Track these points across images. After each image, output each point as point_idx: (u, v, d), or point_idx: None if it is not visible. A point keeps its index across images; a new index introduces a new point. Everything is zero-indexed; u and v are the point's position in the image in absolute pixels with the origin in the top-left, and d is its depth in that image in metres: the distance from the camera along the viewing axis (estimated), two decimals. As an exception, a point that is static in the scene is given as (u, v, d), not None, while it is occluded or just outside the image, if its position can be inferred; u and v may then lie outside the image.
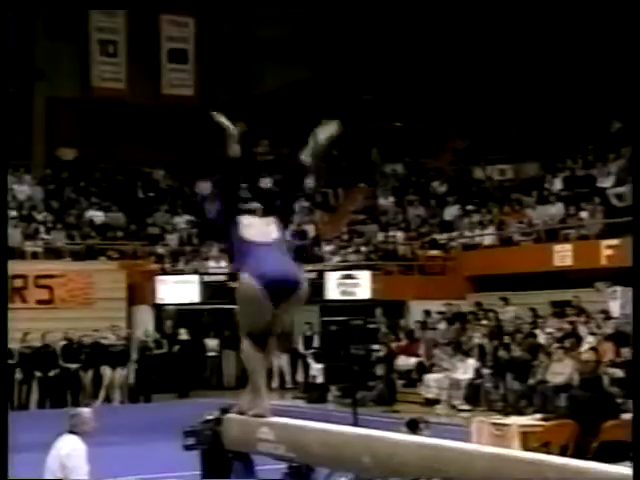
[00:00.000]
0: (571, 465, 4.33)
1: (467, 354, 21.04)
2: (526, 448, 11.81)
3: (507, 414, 15.90)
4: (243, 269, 6.56)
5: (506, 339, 20.52)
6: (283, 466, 5.86)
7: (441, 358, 21.47)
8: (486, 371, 19.90)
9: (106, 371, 22.72)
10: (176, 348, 24.14)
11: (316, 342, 23.29)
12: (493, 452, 4.80)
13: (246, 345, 6.49)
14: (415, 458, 4.68)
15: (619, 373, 16.00)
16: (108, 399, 22.68)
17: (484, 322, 22.13)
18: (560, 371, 17.23)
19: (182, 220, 27.44)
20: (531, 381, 18.14)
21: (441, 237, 26.29)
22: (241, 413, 6.03)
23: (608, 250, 20.92)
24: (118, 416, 18.63)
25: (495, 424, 13.68)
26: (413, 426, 10.95)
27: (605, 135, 24.89)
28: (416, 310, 24.73)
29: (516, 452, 6.79)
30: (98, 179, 28.67)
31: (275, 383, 24.27)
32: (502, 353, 20.02)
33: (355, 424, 11.45)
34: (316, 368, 22.32)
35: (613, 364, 16.61)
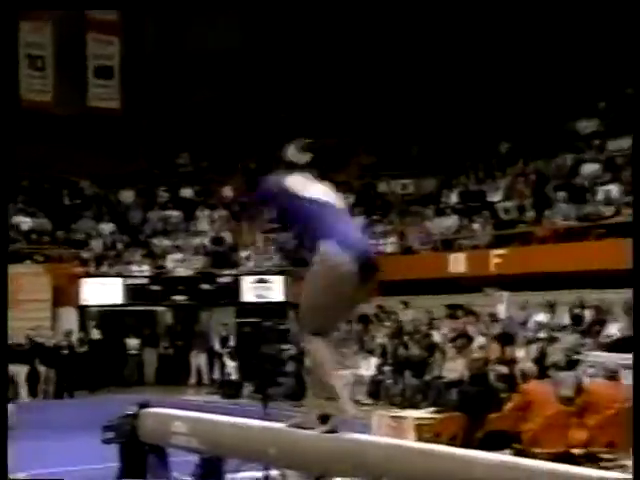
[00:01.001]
0: (457, 454, 4.47)
1: (370, 352, 21.24)
2: (420, 439, 12.01)
3: (404, 408, 16.06)
4: (323, 238, 4.87)
5: (405, 339, 20.78)
6: (195, 458, 5.87)
7: (346, 356, 21.63)
8: (387, 368, 20.11)
9: (40, 368, 22.53)
10: (98, 347, 23.98)
11: (232, 341, 23.34)
12: (388, 442, 4.95)
13: (318, 344, 4.92)
14: (315, 450, 4.75)
15: (504, 370, 16.20)
16: (33, 395, 22.43)
17: (386, 323, 22.37)
18: (452, 368, 17.52)
19: (106, 226, 27.24)
20: (427, 377, 18.43)
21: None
22: (301, 427, 4.97)
23: (496, 258, 21.33)
24: (42, 412, 18.46)
25: (393, 417, 13.84)
26: (324, 419, 11.08)
27: (494, 154, 25.36)
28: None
29: (408, 442, 6.92)
30: (25, 187, 28.31)
31: (193, 380, 24.32)
32: (401, 352, 20.28)
33: (266, 418, 11.51)
34: (231, 366, 22.41)
35: (499, 361, 16.87)
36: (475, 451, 4.83)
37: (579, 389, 13.19)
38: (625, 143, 21.72)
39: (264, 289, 24.33)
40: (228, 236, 26.64)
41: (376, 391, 19.80)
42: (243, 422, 5.46)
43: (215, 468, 5.67)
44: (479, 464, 4.13)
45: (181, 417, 5.66)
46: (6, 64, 23.61)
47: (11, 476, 7.28)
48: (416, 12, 26.60)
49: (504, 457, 4.58)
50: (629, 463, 11.22)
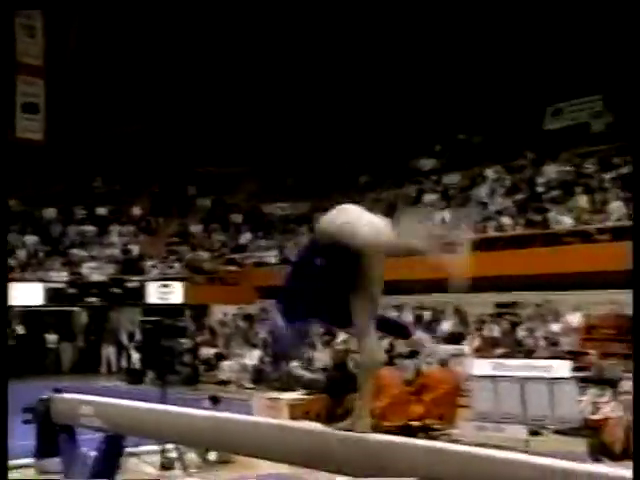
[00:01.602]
0: (316, 429, 4.52)
1: (254, 346, 21.38)
2: (292, 417, 12.24)
3: (281, 391, 15.97)
4: None
5: (283, 335, 21.00)
6: (100, 435, 5.92)
7: (234, 348, 21.80)
8: (267, 359, 20.22)
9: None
10: (22, 341, 23.59)
11: (137, 336, 23.22)
12: (258, 420, 4.96)
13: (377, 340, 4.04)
14: (201, 428, 4.70)
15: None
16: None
17: (267, 321, 22.52)
18: (320, 358, 17.74)
19: (30, 238, 26.82)
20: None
21: (237, 256, 26.57)
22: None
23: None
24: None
25: (270, 399, 13.95)
26: (215, 400, 11.36)
27: (356, 184, 25.76)
28: (217, 312, 24.96)
29: (272, 420, 7.06)
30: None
31: (104, 369, 24.12)
32: (279, 345, 20.49)
33: (164, 401, 11.58)
34: (136, 357, 22.27)
35: (357, 352, 17.17)
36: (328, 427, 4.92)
37: (418, 373, 13.52)
38: (455, 178, 22.53)
39: (166, 293, 24.27)
40: (135, 248, 26.57)
41: (258, 378, 19.91)
42: (140, 405, 5.46)
43: (116, 444, 5.75)
44: (332, 436, 4.02)
45: (87, 401, 5.64)
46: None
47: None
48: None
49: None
50: (454, 432, 11.74)
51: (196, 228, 28.38)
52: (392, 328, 4.51)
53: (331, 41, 24.20)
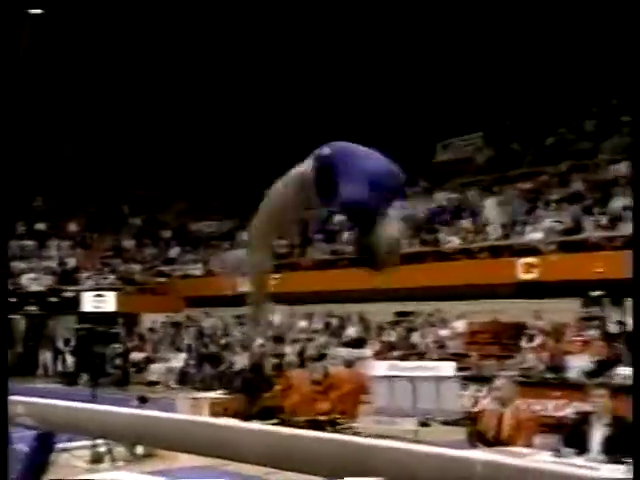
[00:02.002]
0: (238, 426, 4.54)
1: (179, 350, 21.24)
2: (212, 414, 12.19)
3: (204, 391, 16.00)
4: None
5: (206, 340, 20.90)
6: (32, 433, 5.85)
7: (162, 353, 21.62)
8: (192, 362, 20.12)
9: None
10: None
11: (72, 342, 22.83)
12: (180, 417, 4.95)
13: None
14: (128, 425, 4.66)
15: (276, 361, 16.59)
16: None
17: (192, 328, 22.41)
18: (239, 361, 17.67)
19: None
20: (221, 368, 18.48)
21: (166, 269, 26.36)
22: None
23: (273, 281, 21.66)
24: None
25: (193, 398, 13.83)
26: (142, 400, 11.23)
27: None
28: (146, 320, 24.66)
29: (192, 417, 7.05)
30: None
31: (41, 372, 23.59)
32: (203, 349, 20.37)
33: (96, 401, 11.44)
34: (71, 361, 21.92)
35: (273, 355, 17.22)
36: (247, 423, 4.96)
37: (326, 374, 13.65)
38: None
39: (100, 302, 23.85)
40: (72, 260, 26.11)
41: (183, 379, 19.79)
42: (72, 404, 5.40)
43: (48, 441, 5.65)
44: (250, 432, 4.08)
45: (20, 401, 5.59)
46: None
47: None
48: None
49: (270, 427, 4.57)
50: (356, 425, 11.86)
51: (128, 243, 28.04)
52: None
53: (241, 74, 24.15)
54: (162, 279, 25.89)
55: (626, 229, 15.96)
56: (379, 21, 21.56)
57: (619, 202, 16.68)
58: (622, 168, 17.78)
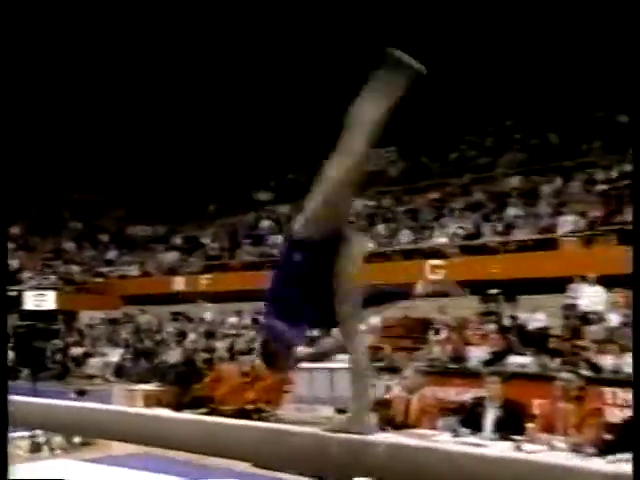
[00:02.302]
0: (170, 415, 4.54)
1: (117, 344, 20.93)
2: (146, 405, 12.10)
3: (139, 383, 15.86)
4: None
5: (142, 335, 20.64)
6: None
7: (100, 348, 21.26)
8: (128, 356, 19.84)
9: None
10: None
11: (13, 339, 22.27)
12: (115, 409, 4.90)
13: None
14: (65, 417, 4.60)
15: (207, 355, 16.15)
16: None
17: (128, 324, 22.13)
18: (173, 355, 17.30)
19: None
20: (155, 362, 18.26)
21: (104, 269, 25.97)
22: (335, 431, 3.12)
23: (205, 281, 21.69)
24: None
25: (128, 390, 13.74)
26: (80, 393, 11.07)
27: (204, 212, 25.69)
28: (85, 317, 24.22)
29: (127, 408, 6.99)
30: None
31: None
32: (138, 344, 20.12)
33: (36, 394, 11.22)
34: (12, 356, 21.37)
35: (204, 350, 16.99)
36: (178, 414, 4.86)
37: (253, 367, 13.62)
38: (286, 209, 22.88)
39: (41, 300, 23.34)
40: (15, 262, 25.44)
41: (119, 372, 19.49)
42: (12, 398, 5.30)
43: None
44: (175, 422, 3.98)
45: None
46: None
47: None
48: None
49: (197, 417, 4.55)
50: (280, 413, 11.92)
51: (69, 246, 27.49)
52: (390, 295, 3.63)
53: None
54: (100, 279, 25.50)
55: (519, 235, 16.50)
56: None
57: (513, 211, 17.21)
58: (516, 181, 18.39)
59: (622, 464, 5.96)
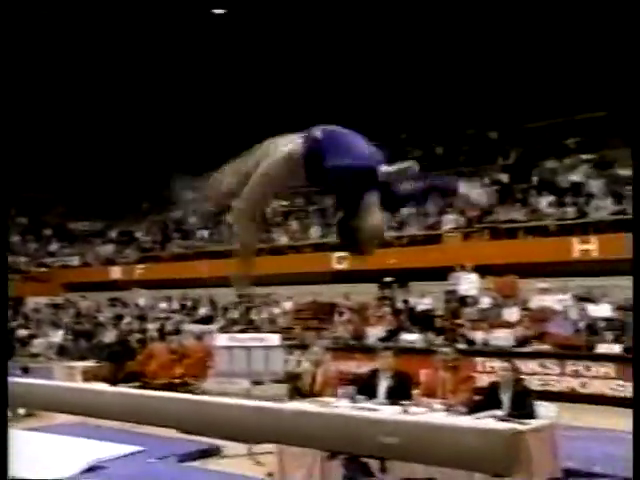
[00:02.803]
0: (105, 389, 4.42)
1: (59, 326, 20.34)
2: (84, 380, 11.83)
3: (78, 361, 15.47)
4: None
5: (82, 319, 20.14)
6: None
7: (43, 330, 20.63)
8: (69, 337, 19.30)
9: None
10: None
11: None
12: (56, 384, 4.83)
13: None
14: (11, 391, 4.48)
15: (140, 336, 15.82)
16: None
17: (70, 309, 21.53)
18: (109, 336, 16.90)
19: None
20: (93, 342, 17.82)
21: (47, 261, 25.17)
22: None
23: (140, 270, 21.34)
24: None
25: (68, 367, 13.41)
26: (25, 370, 10.73)
27: (138, 209, 25.11)
28: (31, 302, 23.41)
29: (67, 383, 6.83)
30: None
31: None
32: (78, 326, 19.61)
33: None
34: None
35: (138, 331, 16.66)
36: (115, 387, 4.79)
37: (180, 346, 13.51)
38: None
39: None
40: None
41: (61, 351, 18.96)
42: None
43: None
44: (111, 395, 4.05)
45: None
46: None
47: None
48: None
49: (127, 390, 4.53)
50: (204, 386, 11.85)
51: (15, 239, 26.51)
52: (441, 188, 3.32)
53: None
54: (44, 269, 24.70)
55: (410, 230, 16.86)
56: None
57: (405, 210, 17.56)
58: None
59: (487, 419, 6.28)
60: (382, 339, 12.99)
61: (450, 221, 15.92)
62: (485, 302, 13.59)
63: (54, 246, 26.08)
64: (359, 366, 11.37)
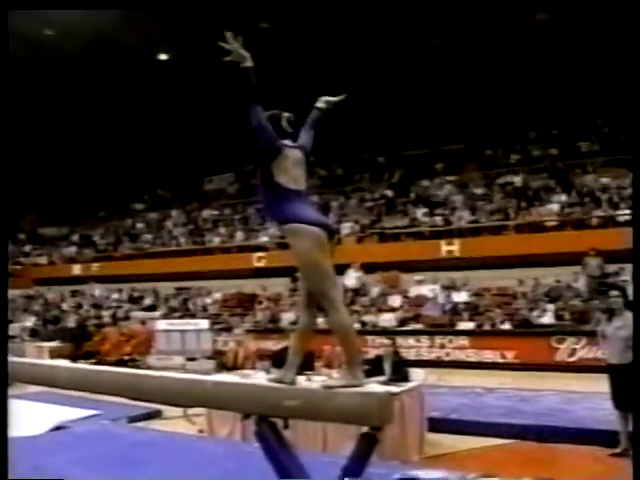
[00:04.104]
0: (67, 365, 4.45)
1: (31, 314, 19.23)
2: (51, 357, 11.45)
3: (46, 341, 14.72)
4: (296, 217, 2.80)
5: (49, 307, 19.18)
6: None
7: (18, 316, 19.51)
8: (39, 322, 18.24)
9: None
10: None
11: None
12: (27, 360, 4.98)
13: (345, 311, 2.76)
14: None
15: (97, 321, 15.36)
16: None
17: (39, 299, 20.43)
18: (71, 321, 16.28)
19: None
20: (59, 326, 16.79)
21: (22, 260, 23.68)
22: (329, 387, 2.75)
23: (95, 268, 20.46)
24: None
25: (38, 347, 13.13)
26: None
27: (95, 217, 24.14)
28: (10, 295, 22.13)
29: (36, 360, 6.65)
30: None
31: None
32: (46, 314, 18.61)
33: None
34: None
35: (95, 317, 16.11)
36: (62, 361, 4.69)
37: (129, 329, 13.13)
38: (156, 215, 21.67)
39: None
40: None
41: (33, 334, 17.82)
42: None
43: None
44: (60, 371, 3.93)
45: None
46: None
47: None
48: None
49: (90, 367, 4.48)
50: (148, 362, 11.61)
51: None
52: None
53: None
54: (18, 267, 23.37)
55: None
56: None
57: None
58: (315, 199, 18.75)
59: (372, 384, 6.49)
60: (293, 322, 13.11)
61: (347, 227, 16.31)
62: (374, 292, 13.98)
63: (27, 248, 24.90)
64: (274, 345, 11.44)
